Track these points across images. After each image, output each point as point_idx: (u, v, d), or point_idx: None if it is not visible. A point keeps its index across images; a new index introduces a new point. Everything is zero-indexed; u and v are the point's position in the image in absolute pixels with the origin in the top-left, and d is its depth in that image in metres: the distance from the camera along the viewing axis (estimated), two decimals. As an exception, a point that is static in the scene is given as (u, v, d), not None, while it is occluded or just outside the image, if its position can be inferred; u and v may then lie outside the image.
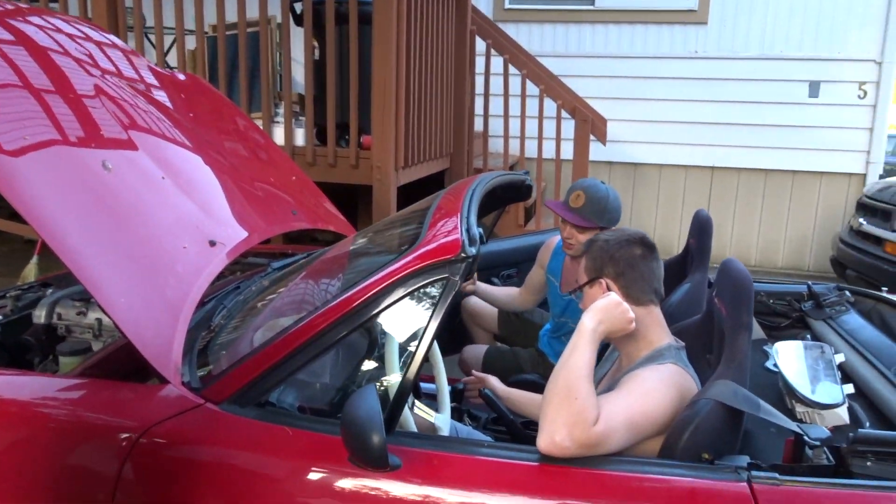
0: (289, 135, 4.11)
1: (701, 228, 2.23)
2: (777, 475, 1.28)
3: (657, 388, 1.46)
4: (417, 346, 1.43)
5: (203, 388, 1.55)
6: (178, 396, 1.54)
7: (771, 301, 2.51)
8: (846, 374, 2.00)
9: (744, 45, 5.97)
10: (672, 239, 6.40)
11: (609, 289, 1.67)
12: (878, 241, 4.19)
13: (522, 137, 5.13)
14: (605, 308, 1.50)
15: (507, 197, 2.60)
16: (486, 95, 5.24)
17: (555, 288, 2.74)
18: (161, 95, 2.46)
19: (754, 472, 1.29)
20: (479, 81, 5.26)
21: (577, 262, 2.63)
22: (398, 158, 4.04)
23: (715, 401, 1.38)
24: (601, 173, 6.39)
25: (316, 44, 4.11)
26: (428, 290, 1.47)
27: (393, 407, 1.42)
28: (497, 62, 5.10)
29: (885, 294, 2.36)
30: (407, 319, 1.48)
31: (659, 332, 1.65)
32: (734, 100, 6.01)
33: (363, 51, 3.94)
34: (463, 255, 1.44)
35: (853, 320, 2.28)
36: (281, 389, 1.57)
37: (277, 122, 4.19)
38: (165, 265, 1.76)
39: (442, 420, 1.85)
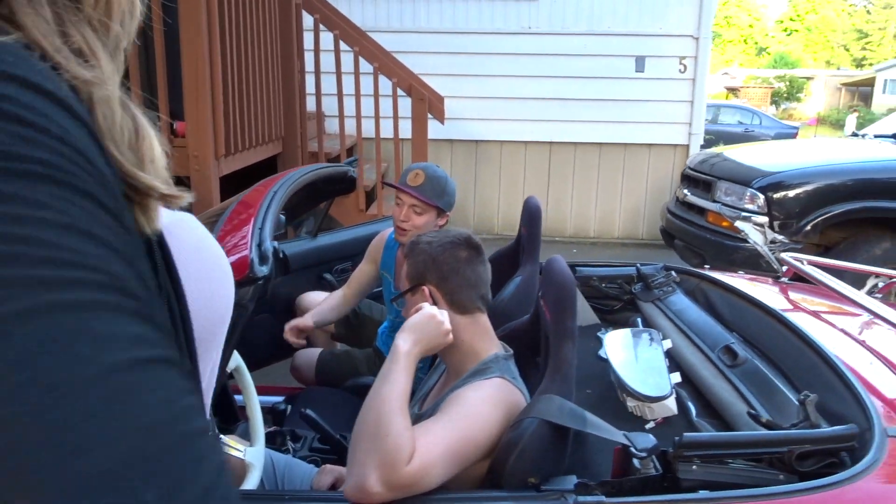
0: (89, 122, 3.63)
1: (531, 216, 2.14)
2: (603, 498, 1.19)
3: (480, 411, 1.33)
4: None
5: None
6: None
7: (603, 285, 2.49)
8: (674, 361, 1.99)
9: (574, 21, 6.07)
10: (515, 215, 6.45)
11: (432, 296, 1.52)
12: (701, 211, 4.41)
13: (358, 117, 4.91)
14: (418, 325, 1.35)
15: (329, 190, 2.40)
16: (318, 73, 4.95)
17: (389, 284, 2.58)
18: None
19: (580, 498, 1.20)
20: (310, 59, 4.96)
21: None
22: (218, 146, 3.69)
23: (540, 419, 1.27)
24: (443, 151, 6.31)
25: (115, 18, 3.64)
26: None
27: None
28: (327, 38, 4.82)
29: (706, 272, 2.40)
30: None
31: (486, 342, 1.52)
32: (567, 75, 6.12)
33: (169, 27, 3.54)
34: (251, 275, 1.23)
35: (680, 301, 2.30)
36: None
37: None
38: None
39: (254, 455, 1.63)
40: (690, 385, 1.89)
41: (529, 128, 6.26)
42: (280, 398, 2.41)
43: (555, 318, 1.39)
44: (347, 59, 4.83)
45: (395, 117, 4.90)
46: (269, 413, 1.99)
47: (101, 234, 0.33)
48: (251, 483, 1.57)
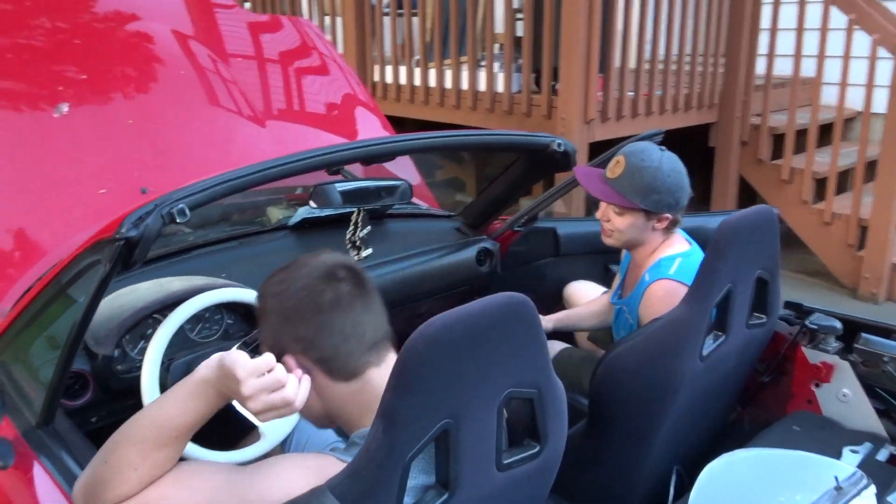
0: (490, 81, 3.81)
1: (716, 236, 1.39)
2: None
3: (271, 489, 0.95)
4: (66, 344, 1.22)
5: None
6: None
7: (902, 372, 1.47)
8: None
9: None
10: None
11: (303, 367, 1.04)
12: None
13: (817, 84, 3.90)
14: (251, 370, 0.92)
15: (541, 167, 2.00)
16: (774, 31, 4.06)
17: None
18: (226, 33, 2.50)
19: None
20: (765, 12, 4.11)
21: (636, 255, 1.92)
22: (589, 109, 3.43)
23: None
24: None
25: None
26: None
27: (50, 398, 1.26)
28: (791, -16, 3.90)
29: None
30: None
31: (362, 417, 1.06)
32: None
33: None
34: (117, 235, 1.15)
35: None
36: None
37: (482, 67, 3.92)
38: (59, 207, 1.81)
39: (272, 425, 1.54)
40: None
41: None
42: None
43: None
44: (814, 12, 3.82)
45: (870, 85, 3.70)
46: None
47: None
48: (252, 452, 1.51)
